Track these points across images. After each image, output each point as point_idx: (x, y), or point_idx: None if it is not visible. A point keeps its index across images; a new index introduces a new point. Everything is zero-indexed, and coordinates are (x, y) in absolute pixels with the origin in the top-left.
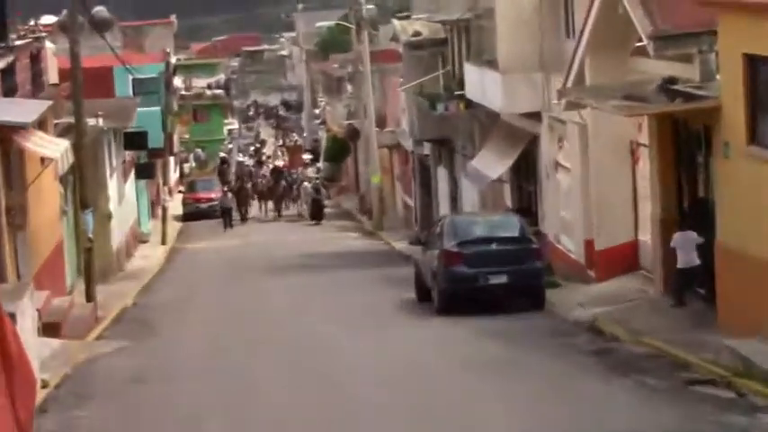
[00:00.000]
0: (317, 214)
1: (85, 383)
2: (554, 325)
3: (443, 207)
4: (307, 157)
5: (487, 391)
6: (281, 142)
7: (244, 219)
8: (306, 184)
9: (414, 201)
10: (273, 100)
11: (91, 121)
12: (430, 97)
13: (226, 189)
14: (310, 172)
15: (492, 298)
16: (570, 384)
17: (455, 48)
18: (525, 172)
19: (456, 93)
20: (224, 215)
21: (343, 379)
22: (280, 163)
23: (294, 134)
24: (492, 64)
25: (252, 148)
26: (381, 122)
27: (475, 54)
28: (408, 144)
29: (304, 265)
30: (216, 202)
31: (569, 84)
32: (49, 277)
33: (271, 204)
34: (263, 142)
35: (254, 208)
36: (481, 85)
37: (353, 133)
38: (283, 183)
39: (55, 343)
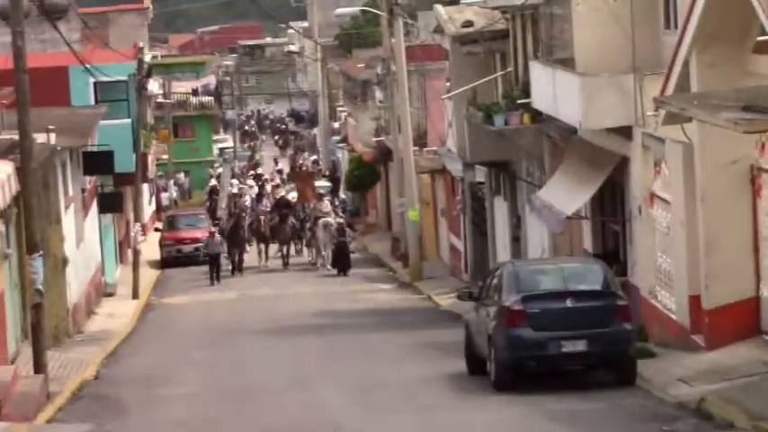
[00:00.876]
0: (341, 263)
1: None
2: (648, 406)
3: (502, 251)
4: (322, 184)
5: None
6: (279, 166)
7: (237, 269)
8: (329, 220)
9: (463, 243)
10: (279, 110)
11: (40, 138)
12: (485, 108)
13: (213, 229)
14: (326, 206)
15: (566, 370)
16: None
17: (518, 43)
18: (610, 206)
19: (519, 102)
20: (211, 264)
21: None
22: (292, 195)
23: (305, 154)
24: (567, 64)
25: (251, 173)
26: (421, 140)
27: (545, 51)
28: (456, 168)
29: (319, 327)
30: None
31: (670, 90)
32: None
33: (274, 249)
34: (255, 165)
35: (252, 254)
36: (553, 91)
37: (384, 154)
38: (292, 220)
39: None
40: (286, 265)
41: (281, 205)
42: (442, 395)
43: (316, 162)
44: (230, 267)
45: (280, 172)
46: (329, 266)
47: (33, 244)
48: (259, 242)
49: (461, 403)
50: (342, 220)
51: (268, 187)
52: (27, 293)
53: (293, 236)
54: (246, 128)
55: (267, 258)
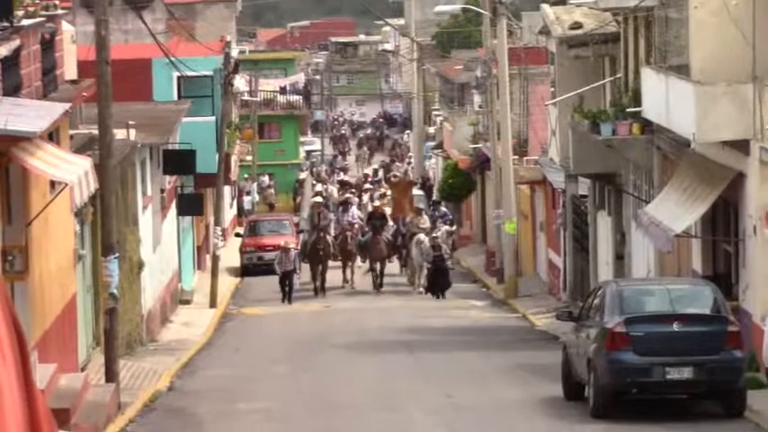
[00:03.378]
0: (439, 284)
1: None
2: None
3: (604, 270)
4: (417, 193)
5: None
6: (365, 172)
7: (319, 289)
8: (422, 238)
9: (563, 259)
10: (370, 112)
11: (120, 134)
12: (592, 116)
13: (288, 244)
14: (425, 221)
15: (670, 399)
16: None
17: (630, 47)
18: (723, 225)
19: (629, 110)
20: (282, 283)
21: None
22: (385, 207)
23: (401, 164)
24: (682, 71)
25: (338, 179)
26: (521, 149)
27: (658, 57)
28: (558, 180)
29: (407, 343)
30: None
31: None
32: (57, 346)
33: (363, 267)
34: (342, 170)
35: (336, 273)
36: (665, 100)
37: (481, 162)
38: (387, 236)
39: None
40: (379, 286)
41: (376, 217)
42: (536, 420)
43: (406, 173)
44: (312, 287)
45: (368, 179)
46: (422, 289)
47: (109, 245)
48: (345, 260)
49: (556, 430)
50: (437, 236)
51: (365, 197)
52: (100, 297)
53: (390, 253)
54: (339, 132)
55: (353, 275)
